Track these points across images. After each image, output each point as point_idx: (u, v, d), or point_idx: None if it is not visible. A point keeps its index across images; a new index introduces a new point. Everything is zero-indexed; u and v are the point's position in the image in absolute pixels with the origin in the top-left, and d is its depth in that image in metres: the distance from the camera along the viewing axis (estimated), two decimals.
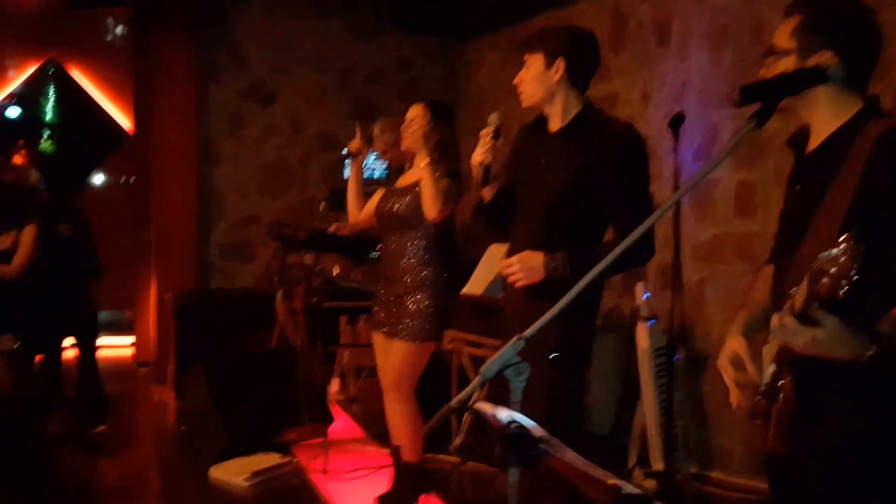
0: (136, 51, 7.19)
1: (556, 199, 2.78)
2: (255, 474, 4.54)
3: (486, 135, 2.79)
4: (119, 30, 8.63)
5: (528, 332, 1.59)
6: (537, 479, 2.39)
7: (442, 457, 4.77)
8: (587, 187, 2.75)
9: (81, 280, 5.42)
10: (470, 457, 4.72)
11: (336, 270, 6.04)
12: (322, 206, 6.19)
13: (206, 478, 4.60)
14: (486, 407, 1.63)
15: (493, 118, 2.81)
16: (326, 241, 5.20)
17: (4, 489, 4.26)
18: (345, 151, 4.22)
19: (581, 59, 2.81)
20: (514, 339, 1.57)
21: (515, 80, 2.87)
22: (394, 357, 3.81)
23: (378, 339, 3.98)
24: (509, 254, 2.91)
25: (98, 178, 9.63)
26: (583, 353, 2.88)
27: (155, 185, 6.72)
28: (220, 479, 4.57)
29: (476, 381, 1.59)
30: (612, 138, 2.76)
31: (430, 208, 3.63)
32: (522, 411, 1.56)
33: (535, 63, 2.81)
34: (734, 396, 1.90)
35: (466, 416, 4.84)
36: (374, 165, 6.43)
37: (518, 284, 2.77)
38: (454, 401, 1.67)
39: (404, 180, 3.94)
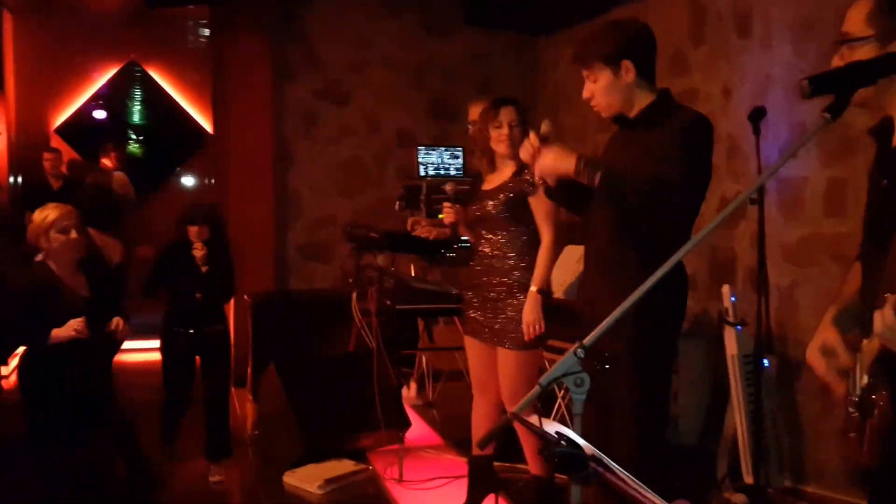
0: (214, 52, 7.25)
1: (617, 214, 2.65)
2: (329, 482, 4.46)
3: (532, 138, 2.65)
4: (197, 31, 8.74)
5: (589, 339, 1.48)
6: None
7: (520, 466, 4.63)
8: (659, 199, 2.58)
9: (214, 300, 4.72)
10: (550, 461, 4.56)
11: (412, 271, 5.97)
12: (398, 204, 6.12)
13: (281, 483, 4.56)
14: (533, 419, 1.54)
15: (545, 126, 2.69)
16: (400, 242, 5.11)
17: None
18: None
19: (643, 51, 2.69)
20: (574, 346, 1.47)
21: (585, 95, 2.74)
22: (504, 368, 3.68)
23: (473, 344, 3.85)
24: (586, 250, 2.81)
25: (180, 180, 9.80)
26: (659, 361, 2.70)
27: (232, 186, 6.76)
28: (293, 486, 4.52)
29: (534, 391, 1.50)
30: (677, 122, 2.60)
31: (547, 230, 3.57)
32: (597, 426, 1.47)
33: (601, 74, 2.67)
34: (832, 382, 1.83)
35: None
36: (450, 163, 6.32)
37: (541, 171, 2.62)
38: (514, 409, 1.59)
39: (491, 181, 3.79)
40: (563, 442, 1.41)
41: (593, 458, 1.41)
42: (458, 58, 7.12)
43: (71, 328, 3.50)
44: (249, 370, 6.17)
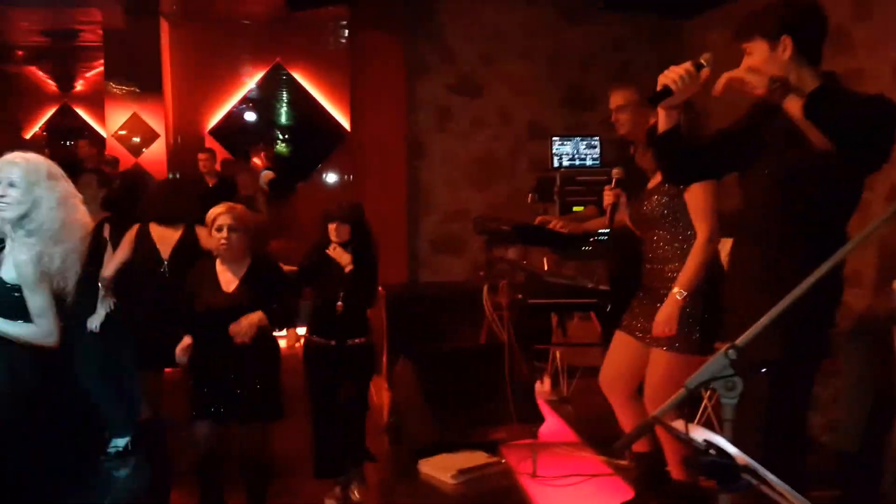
0: (352, 51, 7.42)
1: (778, 190, 2.49)
2: (463, 472, 4.49)
3: (685, 65, 2.49)
4: (337, 32, 8.99)
5: (742, 339, 1.39)
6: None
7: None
8: (819, 173, 2.38)
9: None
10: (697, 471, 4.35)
11: (545, 265, 5.87)
12: (531, 196, 6.04)
13: (416, 471, 4.62)
14: (679, 425, 1.46)
15: (706, 56, 2.52)
16: (533, 235, 5.02)
17: None
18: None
19: (806, 29, 2.49)
20: (725, 347, 1.38)
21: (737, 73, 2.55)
22: (653, 368, 3.56)
23: (625, 341, 3.73)
24: (735, 244, 2.66)
25: (322, 177, 10.11)
26: (810, 365, 2.53)
27: (367, 181, 6.90)
28: (428, 475, 4.57)
29: (679, 393, 1.43)
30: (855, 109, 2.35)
31: (701, 226, 3.39)
32: (736, 429, 1.35)
33: (757, 49, 2.50)
34: None
35: None
36: (586, 153, 6.18)
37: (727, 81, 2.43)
38: (657, 412, 1.51)
39: (655, 178, 3.64)
40: (711, 451, 1.33)
41: (746, 468, 1.30)
42: (595, 45, 6.94)
43: (179, 349, 3.62)
44: (384, 359, 6.29)
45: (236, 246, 3.65)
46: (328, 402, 4.08)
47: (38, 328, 2.94)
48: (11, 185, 2.88)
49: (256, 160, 9.15)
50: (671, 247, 3.51)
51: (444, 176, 6.90)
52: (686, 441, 1.41)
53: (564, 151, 6.18)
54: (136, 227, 4.36)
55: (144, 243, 4.28)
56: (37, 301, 2.93)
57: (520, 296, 4.84)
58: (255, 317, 3.60)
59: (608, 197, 3.82)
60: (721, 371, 1.38)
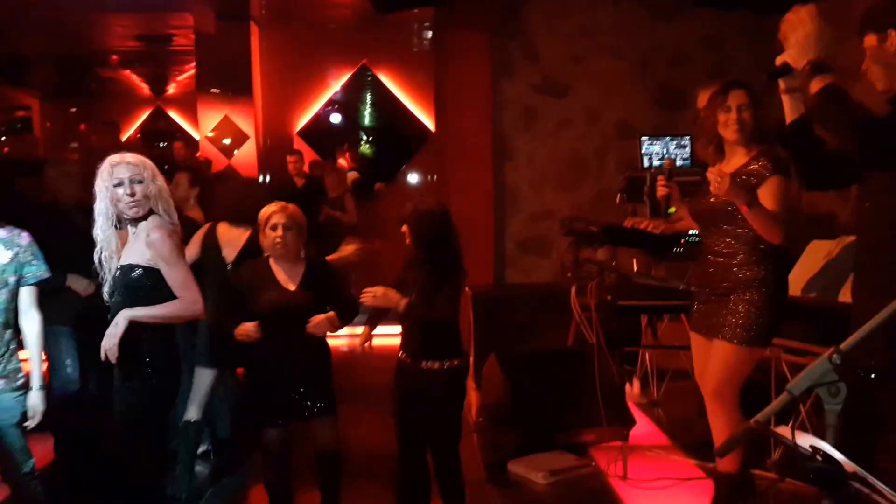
0: (437, 52, 7.48)
1: None
2: (553, 473, 4.50)
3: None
4: (422, 33, 9.06)
5: (847, 343, 1.37)
6: None
7: (758, 472, 4.36)
8: None
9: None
10: (789, 474, 4.26)
11: (634, 266, 5.81)
12: (619, 197, 5.98)
13: (504, 471, 4.63)
14: (785, 430, 1.45)
15: None
16: (621, 236, 4.98)
17: None
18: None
19: None
20: (829, 351, 1.36)
21: (864, 67, 2.53)
22: (714, 359, 3.52)
23: (696, 340, 3.71)
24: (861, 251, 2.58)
25: (405, 178, 10.20)
26: None
27: (452, 182, 6.94)
28: (518, 474, 4.59)
29: (781, 398, 1.42)
30: None
31: (770, 232, 3.30)
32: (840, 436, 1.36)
33: (868, 41, 2.49)
34: None
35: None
36: (676, 153, 6.08)
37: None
38: (758, 416, 1.50)
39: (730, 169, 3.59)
40: (818, 457, 1.31)
41: (855, 475, 1.28)
42: (687, 43, 6.81)
43: (245, 330, 3.62)
44: (472, 359, 6.32)
45: (291, 245, 3.66)
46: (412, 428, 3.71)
47: (183, 300, 3.06)
48: (138, 182, 3.07)
49: (342, 161, 9.32)
50: (737, 242, 3.44)
51: (529, 176, 6.90)
52: (793, 445, 1.39)
53: (654, 151, 6.09)
54: (206, 226, 4.41)
55: (211, 243, 4.30)
56: (178, 273, 3.07)
57: (609, 297, 4.79)
58: (332, 313, 3.62)
59: (660, 189, 3.76)
60: (825, 376, 1.35)
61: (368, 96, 9.82)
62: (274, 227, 3.63)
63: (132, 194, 3.06)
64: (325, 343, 3.78)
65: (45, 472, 4.18)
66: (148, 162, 3.17)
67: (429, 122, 9.41)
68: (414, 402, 3.63)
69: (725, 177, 3.10)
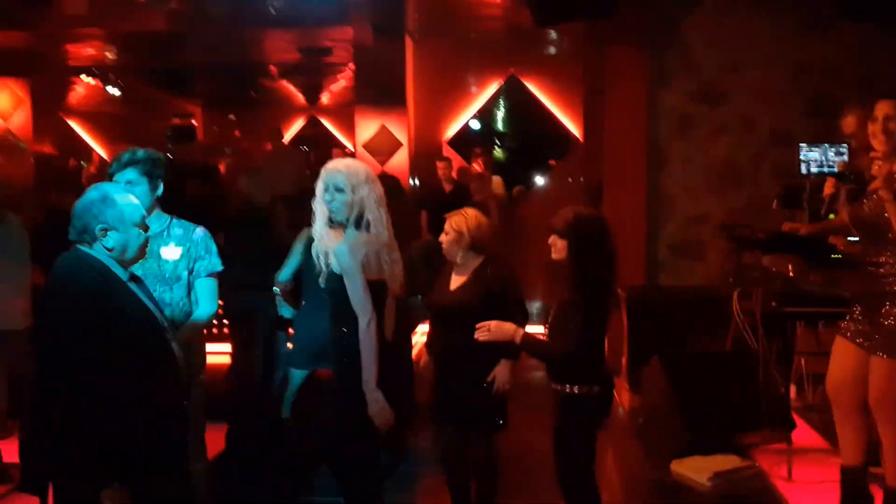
0: (587, 61, 7.68)
1: None
2: (718, 475, 4.60)
3: None
4: (570, 42, 9.24)
5: None
6: None
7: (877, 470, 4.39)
8: None
9: None
10: None
11: (790, 272, 5.86)
12: (775, 203, 6.04)
13: (665, 470, 4.78)
14: None
15: None
16: (785, 242, 5.07)
17: None
18: None
19: None
20: None
21: None
22: (874, 375, 3.62)
23: (847, 349, 3.79)
24: None
25: (548, 183, 10.43)
26: None
27: (605, 187, 7.14)
28: (681, 475, 4.72)
29: None
30: None
31: None
32: None
33: None
34: None
35: None
36: (834, 160, 6.09)
37: None
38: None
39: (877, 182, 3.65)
40: None
41: None
42: (841, 55, 6.77)
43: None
44: (624, 360, 6.51)
45: (448, 249, 3.83)
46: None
47: (360, 322, 3.18)
48: (338, 189, 3.24)
49: (475, 166, 9.64)
50: (890, 252, 3.50)
51: (683, 182, 7.00)
52: None
53: (812, 158, 6.11)
54: (306, 230, 4.36)
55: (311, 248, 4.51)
56: (354, 288, 3.17)
57: (774, 303, 4.89)
58: (510, 327, 3.36)
59: (828, 187, 3.80)
60: None
61: (516, 104, 10.11)
62: (444, 232, 3.85)
63: (332, 200, 3.23)
64: (492, 349, 3.58)
65: (216, 463, 4.49)
66: (361, 171, 3.28)
67: (575, 130, 9.61)
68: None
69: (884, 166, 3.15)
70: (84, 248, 2.62)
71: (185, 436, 2.71)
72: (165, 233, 3.39)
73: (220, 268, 3.48)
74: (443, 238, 3.85)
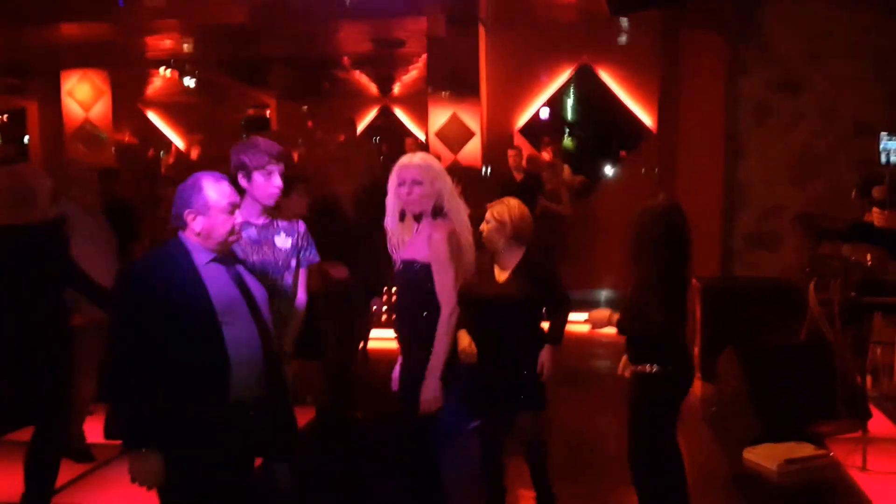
0: (664, 50, 7.65)
1: None
2: (790, 462, 4.61)
3: None
4: (645, 31, 9.17)
5: None
6: None
7: None
8: None
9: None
10: None
11: (868, 261, 5.79)
12: (854, 194, 5.97)
13: (738, 459, 4.79)
14: None
15: None
16: (865, 232, 5.03)
17: None
18: None
19: None
20: None
21: None
22: None
23: None
24: None
25: (619, 173, 10.39)
26: None
27: (680, 176, 7.13)
28: (753, 462, 4.74)
29: None
30: None
31: None
32: None
33: None
34: None
35: None
36: None
37: None
38: None
39: None
40: None
41: None
42: None
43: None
44: (696, 351, 6.50)
45: (490, 238, 3.84)
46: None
47: (443, 314, 3.26)
48: (418, 183, 3.32)
49: (545, 154, 9.65)
50: None
51: (760, 172, 6.94)
52: None
53: (893, 148, 6.03)
54: None
55: None
56: (444, 279, 3.26)
57: (854, 294, 4.85)
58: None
59: None
60: None
61: (588, 93, 10.09)
62: (486, 221, 3.87)
63: (409, 193, 3.30)
64: (536, 336, 3.87)
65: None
66: (434, 164, 3.38)
67: (648, 120, 9.56)
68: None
69: None
70: (180, 232, 2.79)
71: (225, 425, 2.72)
72: (274, 224, 3.50)
73: (318, 259, 3.62)
74: (483, 227, 3.86)
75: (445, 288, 3.27)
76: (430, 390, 3.25)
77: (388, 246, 3.45)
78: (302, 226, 3.59)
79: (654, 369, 3.43)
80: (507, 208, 3.87)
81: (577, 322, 4.25)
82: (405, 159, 3.39)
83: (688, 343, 3.99)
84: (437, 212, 3.33)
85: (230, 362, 2.67)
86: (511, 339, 3.80)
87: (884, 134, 5.98)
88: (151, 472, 2.62)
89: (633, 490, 3.65)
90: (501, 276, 3.88)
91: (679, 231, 3.45)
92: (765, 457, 4.71)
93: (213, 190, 2.77)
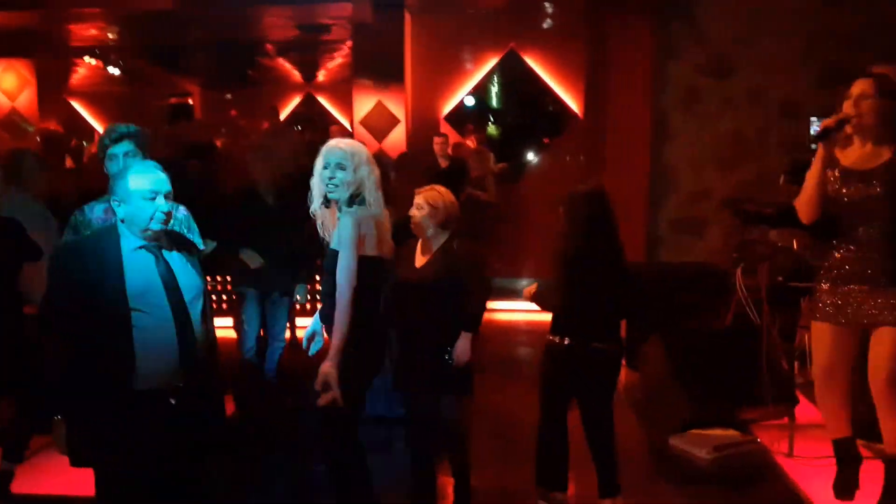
0: (590, 34, 7.53)
1: None
2: (717, 448, 4.56)
3: None
4: (572, 16, 9.05)
5: None
6: None
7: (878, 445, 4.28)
8: None
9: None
10: None
11: (794, 246, 5.75)
12: (782, 179, 5.91)
13: (665, 446, 4.72)
14: None
15: None
16: (792, 217, 4.95)
17: None
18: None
19: None
20: None
21: None
22: (884, 346, 3.51)
23: (831, 332, 3.72)
24: None
25: (544, 159, 10.27)
26: None
27: (607, 162, 7.01)
28: (681, 449, 4.66)
29: None
30: None
31: None
32: None
33: None
34: None
35: None
36: None
37: None
38: None
39: (862, 160, 3.56)
40: None
41: None
42: (857, 25, 6.61)
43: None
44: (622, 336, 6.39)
45: (420, 223, 3.80)
46: (558, 408, 3.87)
47: (339, 298, 3.24)
48: (340, 167, 3.30)
49: (468, 142, 9.51)
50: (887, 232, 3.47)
51: (688, 157, 6.89)
52: None
53: None
54: None
55: None
56: (343, 262, 3.25)
57: (781, 278, 4.78)
58: (466, 341, 3.74)
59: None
60: None
61: (512, 80, 9.94)
62: (418, 207, 3.82)
63: (332, 178, 3.30)
64: (458, 322, 3.80)
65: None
66: (360, 151, 3.36)
67: (575, 106, 9.44)
68: (571, 380, 3.80)
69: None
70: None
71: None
72: None
73: (200, 247, 3.50)
74: (414, 213, 3.82)
75: (343, 273, 3.25)
76: (322, 374, 3.19)
77: (319, 230, 3.46)
78: (182, 211, 3.54)
79: (557, 340, 3.76)
80: (439, 195, 3.85)
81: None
82: (334, 142, 3.40)
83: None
84: (354, 200, 3.33)
85: (135, 349, 2.71)
86: (431, 324, 3.76)
87: (813, 118, 5.95)
88: (60, 437, 2.98)
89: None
90: (421, 261, 3.85)
91: (599, 215, 3.72)
92: (692, 443, 4.65)
93: (135, 177, 2.82)
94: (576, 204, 3.76)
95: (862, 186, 3.50)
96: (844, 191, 3.57)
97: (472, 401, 4.03)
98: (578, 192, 3.81)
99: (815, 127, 5.87)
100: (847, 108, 3.53)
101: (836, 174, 3.59)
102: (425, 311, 3.74)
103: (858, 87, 3.51)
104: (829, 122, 3.59)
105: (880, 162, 3.50)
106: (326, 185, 3.31)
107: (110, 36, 10.64)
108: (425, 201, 3.81)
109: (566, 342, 3.74)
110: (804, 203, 3.69)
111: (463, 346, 3.75)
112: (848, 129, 3.57)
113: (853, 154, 3.60)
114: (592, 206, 3.74)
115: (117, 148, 3.44)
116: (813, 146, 3.62)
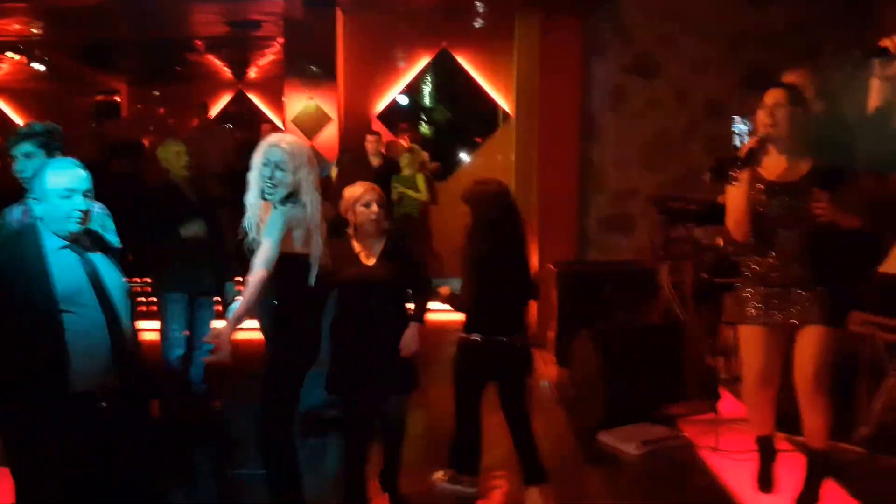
0: (518, 35, 7.53)
1: None
2: (645, 443, 4.60)
3: None
4: (504, 14, 9.06)
5: None
6: None
7: (844, 446, 4.40)
8: None
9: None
10: (881, 450, 4.29)
11: (720, 243, 5.86)
12: (707, 176, 6.00)
13: (594, 441, 4.74)
14: None
15: None
16: (717, 214, 5.03)
17: None
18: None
19: None
20: None
21: None
22: (811, 345, 3.58)
23: (763, 333, 3.73)
24: None
25: (476, 158, 10.28)
26: None
27: (538, 161, 7.03)
28: (609, 444, 4.70)
29: None
30: None
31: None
32: None
33: None
34: None
35: (878, 405, 4.41)
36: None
37: None
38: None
39: (785, 173, 3.59)
40: None
41: None
42: (779, 26, 6.75)
43: None
44: (551, 334, 6.43)
45: (372, 223, 3.77)
46: (472, 400, 4.00)
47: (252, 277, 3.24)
48: (279, 168, 3.27)
49: (402, 141, 9.49)
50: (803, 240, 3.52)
51: (615, 156, 6.95)
52: None
53: (746, 131, 6.12)
54: None
55: None
56: (260, 250, 3.25)
57: (706, 275, 4.85)
58: (414, 330, 3.76)
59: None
60: None
61: (445, 79, 9.94)
62: (367, 205, 3.75)
63: (271, 177, 3.28)
64: (405, 319, 3.82)
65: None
66: (301, 152, 3.33)
67: (506, 105, 9.47)
68: (484, 374, 3.96)
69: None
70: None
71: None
72: None
73: (115, 245, 3.43)
74: (363, 211, 3.77)
75: (260, 257, 3.25)
76: (214, 331, 3.31)
77: (247, 223, 3.42)
78: (97, 208, 3.39)
79: (469, 337, 3.88)
80: (381, 194, 3.85)
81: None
82: (275, 138, 3.39)
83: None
84: (289, 199, 3.33)
85: (68, 350, 2.66)
86: (384, 323, 3.76)
87: (736, 117, 6.06)
88: None
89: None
90: (369, 260, 3.82)
91: (503, 214, 3.84)
92: (620, 439, 4.69)
93: (52, 175, 2.78)
94: (480, 203, 3.87)
95: (786, 199, 3.54)
96: (770, 203, 3.60)
97: (414, 396, 4.02)
98: (482, 191, 3.91)
99: (737, 126, 5.98)
100: (761, 117, 3.57)
101: (762, 187, 3.63)
102: (380, 310, 3.74)
103: (771, 96, 3.54)
104: (751, 143, 3.64)
105: (802, 174, 3.54)
106: (264, 184, 3.30)
107: (35, 31, 10.23)
108: (381, 197, 3.81)
109: (477, 339, 3.88)
110: (737, 223, 3.70)
111: (412, 335, 3.75)
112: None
113: (773, 166, 3.62)
114: (497, 205, 3.85)
115: (18, 149, 3.45)
116: (733, 175, 3.62)
